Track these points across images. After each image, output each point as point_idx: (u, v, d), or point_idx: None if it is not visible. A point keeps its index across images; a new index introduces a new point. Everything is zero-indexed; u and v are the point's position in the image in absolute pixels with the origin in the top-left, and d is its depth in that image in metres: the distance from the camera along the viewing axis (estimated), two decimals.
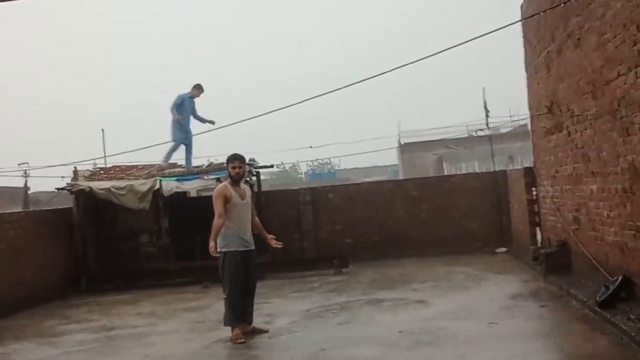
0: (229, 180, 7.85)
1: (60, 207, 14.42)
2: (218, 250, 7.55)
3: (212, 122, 13.65)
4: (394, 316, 8.20)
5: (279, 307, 9.41)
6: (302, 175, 59.46)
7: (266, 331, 7.75)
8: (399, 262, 13.21)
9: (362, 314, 8.54)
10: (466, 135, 34.88)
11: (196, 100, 13.83)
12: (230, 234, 7.59)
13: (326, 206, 14.95)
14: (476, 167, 27.87)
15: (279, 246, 7.99)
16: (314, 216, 14.91)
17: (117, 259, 13.84)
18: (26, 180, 27.65)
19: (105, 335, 8.64)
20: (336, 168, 55.95)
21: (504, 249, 13.74)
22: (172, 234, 13.62)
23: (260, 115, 10.92)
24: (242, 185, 7.98)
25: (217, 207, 7.58)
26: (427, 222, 14.62)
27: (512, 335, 6.69)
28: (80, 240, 13.50)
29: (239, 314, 7.62)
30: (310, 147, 20.25)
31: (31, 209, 17.99)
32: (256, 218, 8.10)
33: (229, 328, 7.58)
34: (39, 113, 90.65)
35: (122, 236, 14.22)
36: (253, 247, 7.77)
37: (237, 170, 7.77)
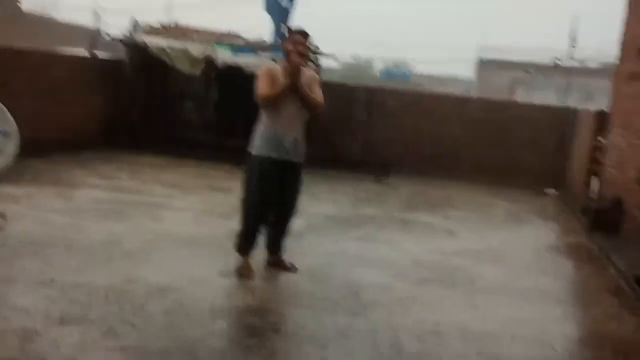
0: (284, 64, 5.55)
1: (114, 57, 13.91)
2: (248, 150, 5.66)
3: None
4: (415, 243, 7.66)
5: (300, 206, 8.97)
6: (377, 73, 57.45)
7: (294, 270, 5.90)
8: (442, 181, 12.62)
9: (384, 232, 8.08)
10: (548, 63, 33.06)
11: None
12: (267, 135, 5.53)
13: (381, 110, 14.16)
14: (551, 98, 26.51)
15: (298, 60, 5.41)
16: (367, 118, 14.22)
17: (161, 121, 13.60)
18: (96, 20, 27.38)
19: (120, 198, 8.43)
20: (413, 72, 53.95)
21: (554, 191, 12.91)
22: (218, 108, 13.23)
23: None
24: (306, 72, 5.68)
25: (261, 85, 5.42)
26: (482, 147, 13.73)
27: (532, 294, 6.10)
28: (127, 94, 13.23)
29: (253, 238, 5.71)
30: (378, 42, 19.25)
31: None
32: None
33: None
34: None
35: (169, 99, 13.90)
36: (297, 160, 5.71)
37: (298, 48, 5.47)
